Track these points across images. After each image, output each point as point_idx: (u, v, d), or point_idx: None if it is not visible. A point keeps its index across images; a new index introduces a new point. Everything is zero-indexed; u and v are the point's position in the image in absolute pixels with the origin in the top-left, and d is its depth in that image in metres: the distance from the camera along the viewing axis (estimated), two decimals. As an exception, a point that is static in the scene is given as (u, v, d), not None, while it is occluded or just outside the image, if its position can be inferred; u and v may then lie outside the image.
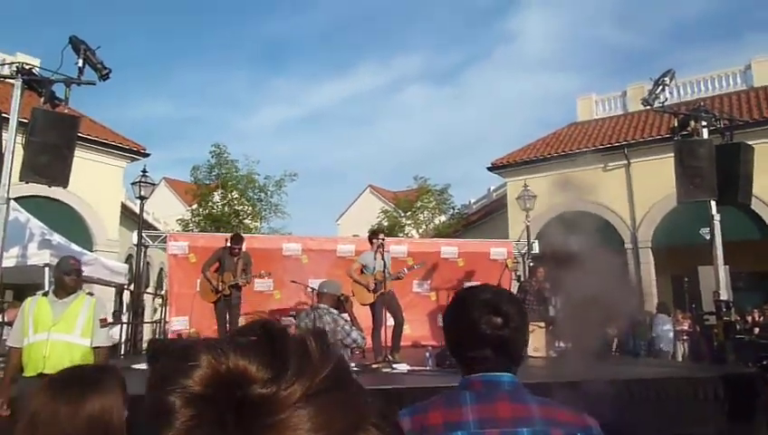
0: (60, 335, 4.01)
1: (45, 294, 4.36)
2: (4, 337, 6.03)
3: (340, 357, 0.48)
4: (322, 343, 0.48)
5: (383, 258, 7.65)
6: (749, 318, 12.95)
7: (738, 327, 8.16)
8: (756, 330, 11.91)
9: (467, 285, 12.02)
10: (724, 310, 7.66)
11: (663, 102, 7.92)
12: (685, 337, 13.82)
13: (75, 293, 4.31)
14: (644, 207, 17.66)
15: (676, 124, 8.21)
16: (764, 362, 7.83)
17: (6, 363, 4.28)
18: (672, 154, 8.26)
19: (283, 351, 0.46)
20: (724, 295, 7.71)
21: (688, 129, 8.04)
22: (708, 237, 8.86)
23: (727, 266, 8.04)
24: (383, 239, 7.84)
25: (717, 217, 7.95)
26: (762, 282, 15.61)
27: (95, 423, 1.20)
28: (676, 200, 8.25)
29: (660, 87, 7.78)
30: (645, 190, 17.33)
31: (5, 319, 6.38)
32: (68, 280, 4.25)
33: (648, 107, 8.08)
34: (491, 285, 1.57)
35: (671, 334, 13.39)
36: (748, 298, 12.83)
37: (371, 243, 7.88)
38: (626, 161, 18.12)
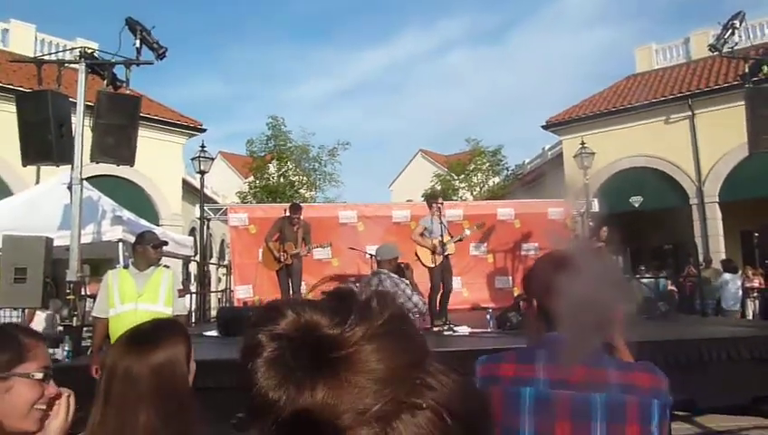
0: (146, 305, 4.26)
1: (126, 267, 4.62)
2: (87, 309, 6.42)
3: (399, 307, 0.58)
4: (382, 297, 0.58)
5: (442, 222, 7.65)
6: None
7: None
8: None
9: (525, 246, 11.96)
10: (801, 265, 7.29)
11: (733, 47, 7.46)
12: (755, 295, 13.28)
13: (154, 265, 4.55)
14: (710, 161, 16.84)
15: (746, 70, 7.73)
16: None
17: (94, 333, 4.58)
18: (741, 102, 7.82)
19: (348, 303, 0.56)
20: (800, 249, 7.33)
21: (760, 74, 7.56)
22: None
23: (804, 219, 7.63)
24: (441, 203, 7.83)
25: (793, 168, 7.52)
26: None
27: (160, 374, 1.29)
28: (748, 151, 7.83)
29: (729, 30, 7.32)
30: (711, 142, 16.51)
31: (87, 292, 6.78)
32: (154, 253, 4.48)
33: (717, 53, 7.63)
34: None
35: (739, 293, 12.89)
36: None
37: (430, 207, 7.89)
38: (690, 112, 17.25)
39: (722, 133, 15.24)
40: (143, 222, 9.83)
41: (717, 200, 16.92)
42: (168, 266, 4.76)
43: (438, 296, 7.67)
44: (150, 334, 1.39)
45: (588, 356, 1.30)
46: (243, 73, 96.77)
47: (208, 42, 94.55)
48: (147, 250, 4.46)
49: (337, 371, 0.51)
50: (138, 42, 6.95)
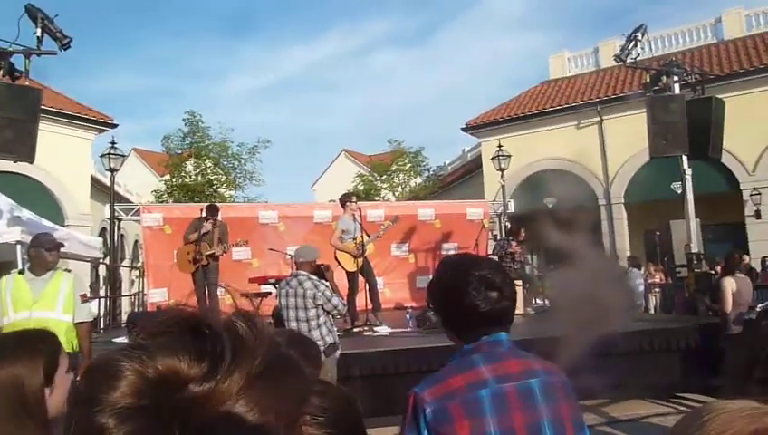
0: (42, 313, 3.95)
1: (21, 272, 4.28)
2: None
3: (272, 335, 0.47)
4: (252, 324, 0.46)
5: (357, 221, 7.67)
6: (717, 268, 13.34)
7: (713, 281, 8.39)
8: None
9: (445, 246, 12.20)
10: (695, 262, 7.87)
11: (635, 58, 7.94)
12: (657, 290, 14.20)
13: (53, 269, 4.24)
14: (617, 164, 17.89)
15: (648, 80, 8.25)
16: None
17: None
18: (644, 110, 8.33)
19: (214, 341, 0.43)
20: (695, 248, 7.92)
21: (660, 84, 8.09)
22: (679, 191, 9.04)
23: (698, 220, 8.23)
24: (356, 202, 7.86)
25: (689, 172, 8.10)
26: (730, 233, 16.09)
27: (4, 393, 1.20)
28: (649, 156, 8.37)
29: (633, 42, 7.79)
30: (617, 147, 17.52)
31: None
32: (49, 256, 4.17)
33: (621, 63, 8.10)
34: (474, 255, 1.63)
35: (642, 288, 13.75)
36: (717, 249, 13.20)
37: (344, 206, 7.88)
38: (599, 118, 18.24)
39: (627, 138, 16.20)
40: (45, 222, 9.19)
41: (623, 201, 18.00)
42: (69, 270, 4.47)
43: (359, 296, 7.71)
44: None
45: (512, 350, 1.45)
46: (161, 68, 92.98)
47: (124, 33, 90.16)
48: (41, 254, 4.15)
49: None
50: (39, 30, 6.50)
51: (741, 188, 16.15)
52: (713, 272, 9.66)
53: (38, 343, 1.32)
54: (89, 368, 0.43)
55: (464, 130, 21.22)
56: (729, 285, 6.27)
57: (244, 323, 0.45)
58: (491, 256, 9.69)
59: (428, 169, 27.09)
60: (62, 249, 6.60)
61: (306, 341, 1.54)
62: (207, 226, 7.85)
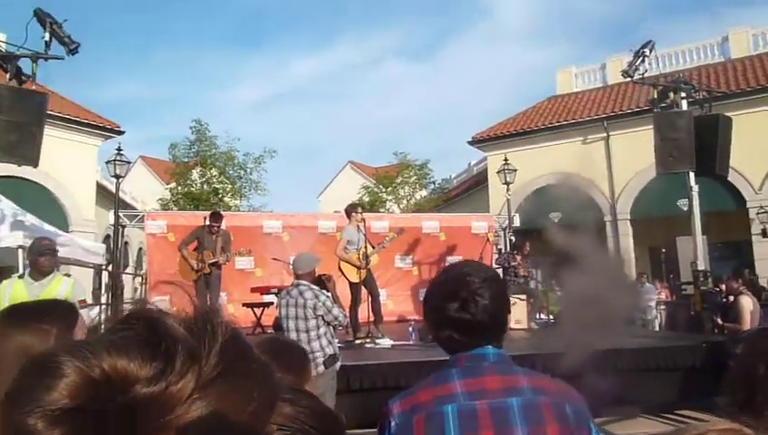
0: None
1: (21, 277, 4.26)
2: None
3: (234, 333, 0.43)
4: (209, 322, 0.42)
5: (362, 232, 7.65)
6: (722, 286, 13.22)
7: (723, 299, 8.30)
8: (731, 298, 12.14)
9: (449, 259, 12.13)
10: (702, 279, 7.79)
11: (643, 74, 7.91)
12: (662, 307, 14.07)
13: (52, 274, 4.22)
14: (623, 180, 17.81)
15: (655, 96, 8.22)
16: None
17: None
18: (651, 126, 8.30)
19: (167, 339, 0.39)
20: (701, 265, 7.83)
21: (668, 100, 8.06)
22: (686, 208, 8.98)
23: (705, 237, 8.16)
24: (361, 213, 7.86)
25: (696, 189, 8.03)
26: (736, 251, 15.96)
27: (13, 363, 1.15)
28: (656, 172, 8.32)
29: (640, 58, 7.77)
30: (624, 163, 17.46)
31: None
32: (43, 261, 4.16)
33: (629, 79, 8.07)
34: (463, 263, 1.56)
35: (653, 303, 13.62)
36: (722, 267, 13.09)
37: (350, 217, 7.85)
38: (605, 134, 18.20)
39: (633, 154, 16.14)
40: (47, 227, 9.19)
41: (629, 217, 17.90)
42: (69, 275, 4.44)
43: (362, 307, 7.65)
44: (15, 314, 1.23)
45: (498, 364, 1.36)
46: (169, 76, 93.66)
47: (133, 41, 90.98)
48: (36, 260, 4.16)
49: None
50: (47, 35, 6.54)
51: (747, 206, 16.05)
52: (718, 289, 9.57)
53: (51, 312, 1.27)
54: (26, 364, 0.38)
55: (470, 143, 21.21)
56: (747, 304, 6.23)
57: (205, 322, 0.41)
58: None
59: (434, 182, 27.11)
60: (64, 255, 6.58)
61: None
62: (210, 237, 7.83)
